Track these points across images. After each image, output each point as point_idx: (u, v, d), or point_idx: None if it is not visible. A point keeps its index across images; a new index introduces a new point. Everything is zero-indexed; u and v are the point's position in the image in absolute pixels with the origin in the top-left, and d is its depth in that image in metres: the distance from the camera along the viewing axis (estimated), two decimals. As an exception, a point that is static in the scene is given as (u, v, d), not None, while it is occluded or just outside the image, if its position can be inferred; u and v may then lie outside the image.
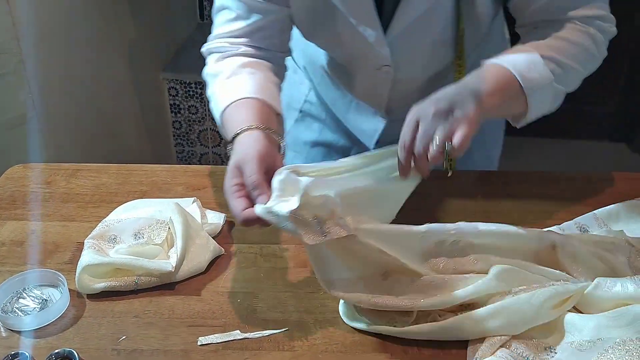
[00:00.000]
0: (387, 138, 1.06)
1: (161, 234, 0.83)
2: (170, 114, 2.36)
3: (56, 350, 0.69)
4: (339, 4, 0.84)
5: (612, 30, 0.86)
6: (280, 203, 0.67)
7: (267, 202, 0.68)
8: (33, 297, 0.76)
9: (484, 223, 0.75)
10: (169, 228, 0.84)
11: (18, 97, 1.40)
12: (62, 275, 0.77)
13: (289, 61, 1.09)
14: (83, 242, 0.81)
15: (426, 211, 0.91)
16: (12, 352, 0.68)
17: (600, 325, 0.67)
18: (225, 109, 0.82)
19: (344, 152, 1.12)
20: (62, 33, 1.57)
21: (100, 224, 0.86)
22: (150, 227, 0.85)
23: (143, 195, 0.96)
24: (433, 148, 0.72)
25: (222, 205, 0.93)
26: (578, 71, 0.84)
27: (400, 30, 0.86)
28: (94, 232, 0.84)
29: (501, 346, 0.68)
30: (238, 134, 0.76)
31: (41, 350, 0.69)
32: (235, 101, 0.82)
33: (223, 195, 0.73)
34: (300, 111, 1.16)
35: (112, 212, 0.89)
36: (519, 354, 0.67)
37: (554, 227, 0.86)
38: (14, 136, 1.41)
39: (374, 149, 1.02)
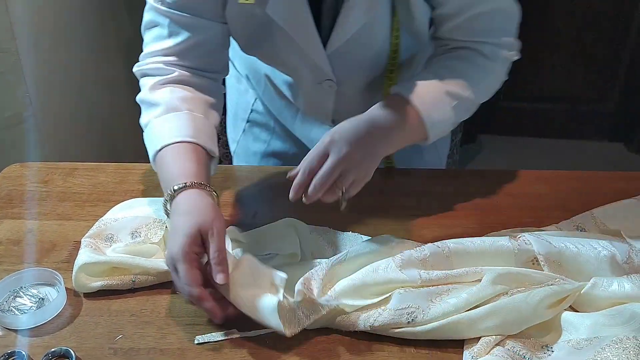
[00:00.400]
0: None
1: (158, 233, 0.83)
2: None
3: (53, 349, 0.68)
4: (277, 19, 0.82)
5: (516, 57, 0.89)
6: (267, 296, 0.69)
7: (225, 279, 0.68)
8: (30, 295, 0.76)
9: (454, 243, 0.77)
10: (166, 227, 0.84)
11: (15, 96, 1.39)
12: (58, 274, 0.77)
13: (232, 70, 1.09)
14: (80, 241, 0.81)
15: (423, 210, 0.91)
16: (9, 351, 0.68)
17: (597, 324, 0.67)
18: (161, 149, 0.80)
19: (296, 162, 1.11)
20: (59, 32, 1.56)
21: (96, 223, 0.86)
22: (147, 226, 0.84)
23: (140, 194, 0.95)
24: (335, 189, 0.76)
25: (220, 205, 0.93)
26: (477, 102, 0.87)
27: (339, 45, 0.85)
28: (90, 231, 0.84)
29: (497, 344, 0.68)
30: (182, 188, 0.75)
31: (38, 349, 0.69)
32: (172, 143, 0.80)
33: (171, 258, 0.70)
34: (248, 121, 1.15)
35: (109, 211, 0.88)
36: (516, 352, 0.67)
37: (551, 226, 0.86)
38: (11, 135, 1.41)
39: None
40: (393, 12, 0.83)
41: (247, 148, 1.16)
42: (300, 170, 0.77)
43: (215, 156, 0.84)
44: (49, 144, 1.53)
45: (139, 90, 0.88)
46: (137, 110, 0.88)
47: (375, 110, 0.81)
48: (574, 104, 2.60)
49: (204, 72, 0.88)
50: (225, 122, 1.25)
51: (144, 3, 0.88)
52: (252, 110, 1.13)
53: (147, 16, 0.87)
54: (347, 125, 0.78)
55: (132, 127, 0.93)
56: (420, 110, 0.81)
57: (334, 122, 1.01)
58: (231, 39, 0.91)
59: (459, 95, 0.83)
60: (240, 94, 1.14)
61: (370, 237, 0.83)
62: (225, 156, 2.45)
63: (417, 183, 0.98)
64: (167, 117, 0.82)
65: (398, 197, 0.94)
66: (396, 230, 0.86)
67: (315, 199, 0.76)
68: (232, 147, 1.21)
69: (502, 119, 2.60)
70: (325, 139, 0.77)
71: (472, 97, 0.84)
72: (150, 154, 0.83)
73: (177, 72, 0.86)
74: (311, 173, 0.76)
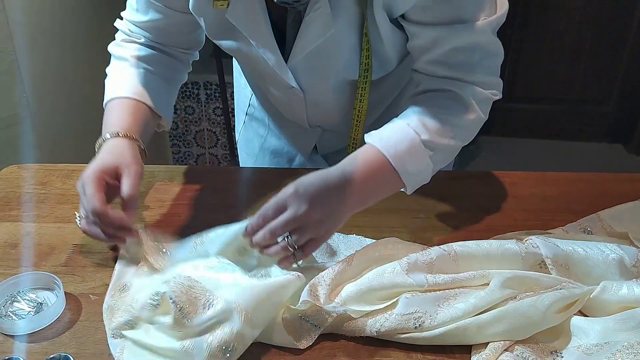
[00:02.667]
0: (323, 149, 1.08)
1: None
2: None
3: (51, 355, 0.67)
4: (237, 26, 0.83)
5: (497, 97, 0.85)
6: None
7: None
8: (28, 300, 0.75)
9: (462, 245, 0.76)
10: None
11: (12, 97, 1.38)
12: (57, 278, 0.75)
13: (236, 63, 1.12)
14: (79, 245, 0.80)
15: (427, 212, 0.90)
16: (6, 358, 0.67)
17: (607, 329, 0.66)
18: (110, 101, 0.89)
19: (289, 160, 1.13)
20: (56, 32, 1.55)
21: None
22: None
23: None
24: (285, 243, 0.73)
25: (219, 207, 0.91)
26: (457, 147, 0.84)
27: (300, 58, 0.85)
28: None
29: (505, 350, 0.67)
30: (113, 136, 0.83)
31: (36, 355, 0.68)
32: (119, 97, 0.89)
33: (81, 180, 0.78)
34: (247, 114, 1.17)
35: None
36: (525, 358, 0.65)
37: (558, 229, 0.85)
38: (8, 136, 1.39)
39: (308, 158, 1.08)
40: (363, 31, 0.81)
41: (248, 140, 1.19)
42: (256, 214, 0.74)
43: (160, 114, 0.92)
44: (46, 145, 1.52)
45: None
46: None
47: (347, 164, 0.77)
48: (573, 106, 2.60)
49: (169, 46, 0.95)
50: (225, 122, 1.27)
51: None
52: (249, 105, 1.15)
53: None
54: (314, 180, 0.73)
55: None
56: (394, 164, 0.77)
57: (311, 127, 1.02)
58: None
59: (436, 144, 0.79)
60: (241, 87, 1.17)
61: (375, 240, 0.81)
62: (225, 157, 2.44)
63: (421, 185, 0.97)
64: (124, 72, 0.91)
65: (402, 199, 0.92)
66: (401, 233, 0.85)
67: (263, 247, 0.74)
68: (237, 137, 1.24)
69: (501, 121, 2.60)
70: (288, 190, 0.73)
71: (451, 144, 0.81)
72: (104, 103, 0.90)
73: (143, 39, 0.94)
74: (265, 220, 0.73)
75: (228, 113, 2.12)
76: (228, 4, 0.80)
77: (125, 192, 0.78)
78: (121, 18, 0.96)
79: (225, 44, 0.89)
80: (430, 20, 0.78)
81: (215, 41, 0.90)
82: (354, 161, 0.77)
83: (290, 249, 0.73)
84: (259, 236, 0.74)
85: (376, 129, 0.80)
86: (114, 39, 0.96)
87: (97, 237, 0.78)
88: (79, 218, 0.80)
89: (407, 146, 0.78)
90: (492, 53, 0.82)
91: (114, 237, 0.78)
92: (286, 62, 0.86)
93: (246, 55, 0.88)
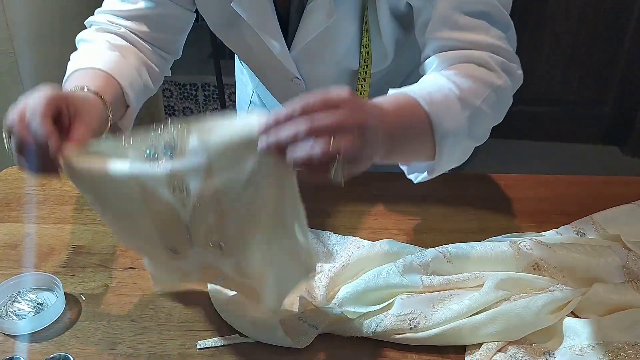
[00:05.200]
0: None
1: None
2: (164, 116, 2.35)
3: (52, 355, 0.68)
4: (242, 14, 0.83)
5: (519, 70, 0.78)
6: None
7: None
8: (28, 300, 0.75)
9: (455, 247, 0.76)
10: None
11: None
12: (57, 279, 0.76)
13: (237, 61, 1.12)
14: (79, 246, 0.80)
15: (422, 214, 0.91)
16: (7, 357, 0.68)
17: (599, 330, 0.67)
18: (73, 72, 0.78)
19: None
20: (56, 33, 1.55)
21: None
22: None
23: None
24: (322, 146, 0.53)
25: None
26: (491, 121, 0.76)
27: (302, 46, 0.86)
28: None
29: (499, 350, 0.68)
30: (78, 88, 0.72)
31: (36, 355, 0.68)
32: (86, 68, 0.77)
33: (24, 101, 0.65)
34: (248, 111, 1.17)
35: None
36: (518, 358, 0.66)
37: (551, 231, 0.86)
38: (8, 137, 1.40)
39: None
40: (363, 20, 0.83)
41: None
42: (290, 104, 0.56)
43: (128, 102, 0.81)
44: (45, 146, 1.52)
45: None
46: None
47: (380, 100, 0.67)
48: (569, 107, 2.61)
49: (150, 44, 0.88)
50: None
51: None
52: (250, 102, 1.16)
53: None
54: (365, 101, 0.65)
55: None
56: (429, 113, 0.67)
57: None
58: None
59: (471, 103, 0.70)
60: (242, 85, 1.17)
61: (371, 242, 0.82)
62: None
63: (416, 187, 0.97)
64: (98, 50, 0.82)
65: (398, 201, 0.94)
66: (396, 234, 0.85)
67: (284, 146, 0.54)
68: None
69: (497, 122, 2.60)
70: (342, 92, 0.57)
71: (486, 110, 0.72)
72: (68, 72, 0.79)
73: (122, 30, 0.86)
74: (304, 111, 0.55)
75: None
76: None
77: (75, 135, 0.64)
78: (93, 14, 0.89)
79: (228, 35, 0.89)
80: None
81: (218, 34, 0.90)
82: (387, 99, 0.67)
83: (335, 155, 0.53)
84: (289, 126, 0.54)
85: None
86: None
87: (30, 166, 0.64)
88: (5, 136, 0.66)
89: (442, 97, 0.68)
90: (504, 23, 0.77)
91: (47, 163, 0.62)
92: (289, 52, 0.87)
93: (249, 47, 0.89)
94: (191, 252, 0.65)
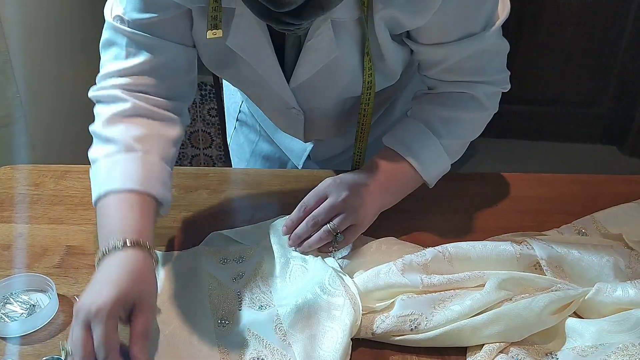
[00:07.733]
0: (317, 157, 1.08)
1: None
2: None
3: (44, 358, 0.67)
4: (238, 51, 0.79)
5: (507, 89, 0.89)
6: None
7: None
8: (20, 302, 0.74)
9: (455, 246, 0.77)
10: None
11: (5, 97, 1.37)
12: (50, 280, 0.75)
13: None
14: (72, 246, 0.79)
15: (422, 213, 0.90)
16: (-2, 360, 0.67)
17: (602, 331, 0.67)
18: (106, 194, 0.73)
19: (281, 164, 1.13)
20: (50, 32, 1.54)
21: None
22: None
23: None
24: (328, 227, 0.76)
25: (214, 210, 0.91)
26: (469, 140, 0.90)
27: (302, 81, 0.83)
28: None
29: (500, 352, 0.67)
30: (121, 247, 0.67)
31: (29, 358, 0.67)
32: (119, 190, 0.73)
33: (88, 309, 0.61)
34: (237, 120, 1.16)
35: None
36: (520, 359, 0.65)
37: (553, 230, 0.85)
38: (1, 137, 1.39)
39: (302, 167, 1.08)
40: (365, 51, 0.80)
41: (239, 145, 1.18)
42: (296, 208, 0.79)
43: (165, 203, 0.77)
44: (39, 146, 1.51)
45: None
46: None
47: (372, 165, 0.83)
48: (566, 107, 2.61)
49: (164, 98, 0.82)
50: (224, 121, 1.26)
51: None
52: (240, 111, 1.14)
53: (105, 34, 0.81)
54: (347, 175, 0.81)
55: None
56: (414, 164, 0.83)
57: (307, 140, 1.02)
58: None
59: (450, 143, 0.85)
60: (231, 93, 1.16)
61: (370, 241, 0.81)
62: (219, 158, 2.44)
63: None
64: (118, 159, 0.75)
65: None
66: (396, 233, 0.84)
67: (305, 239, 0.77)
68: (229, 140, 1.23)
69: (495, 122, 2.59)
70: (325, 182, 0.79)
71: (464, 140, 0.88)
72: (94, 195, 0.74)
73: (132, 102, 0.79)
74: (306, 212, 0.78)
75: (223, 114, 2.11)
76: (222, 33, 0.75)
77: (140, 331, 0.63)
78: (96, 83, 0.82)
79: (225, 72, 0.87)
80: (439, 40, 0.79)
81: (213, 70, 0.88)
82: (378, 162, 0.83)
83: (332, 232, 0.76)
84: (301, 227, 0.77)
85: (377, 129, 0.81)
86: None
87: None
88: (64, 353, 0.65)
89: (428, 149, 0.84)
90: (500, 52, 0.84)
91: None
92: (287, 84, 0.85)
93: (247, 81, 0.87)
94: None
